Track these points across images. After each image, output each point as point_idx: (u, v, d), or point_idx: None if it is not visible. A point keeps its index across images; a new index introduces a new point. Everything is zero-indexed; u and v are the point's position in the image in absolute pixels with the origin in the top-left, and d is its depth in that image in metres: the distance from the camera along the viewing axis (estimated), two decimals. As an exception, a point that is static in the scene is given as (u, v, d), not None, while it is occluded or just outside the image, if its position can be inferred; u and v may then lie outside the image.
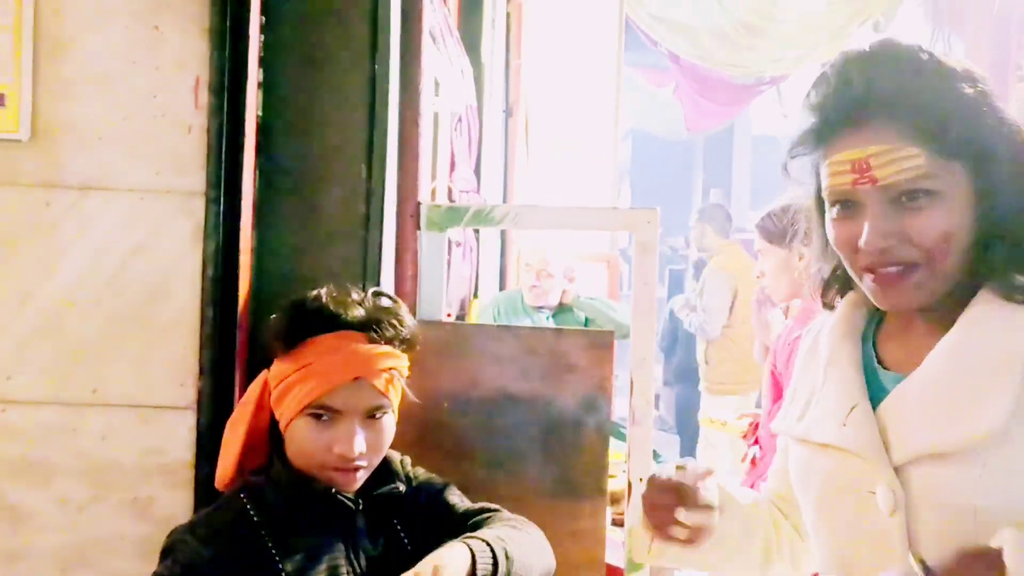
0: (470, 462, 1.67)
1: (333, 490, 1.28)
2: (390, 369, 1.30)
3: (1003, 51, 4.80)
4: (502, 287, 4.14)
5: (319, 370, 1.24)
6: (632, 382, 1.72)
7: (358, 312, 1.28)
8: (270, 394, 1.31)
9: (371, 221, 1.69)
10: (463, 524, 1.36)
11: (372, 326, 1.28)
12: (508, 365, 1.68)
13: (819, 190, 1.08)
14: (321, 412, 1.25)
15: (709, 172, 10.76)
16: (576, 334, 1.71)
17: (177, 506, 1.49)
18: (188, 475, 1.49)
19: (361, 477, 1.30)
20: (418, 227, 1.73)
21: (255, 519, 1.25)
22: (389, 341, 1.29)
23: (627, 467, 1.74)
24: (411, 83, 1.75)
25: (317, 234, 1.70)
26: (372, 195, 1.69)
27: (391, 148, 1.71)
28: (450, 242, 3.60)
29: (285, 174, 1.70)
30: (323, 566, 1.25)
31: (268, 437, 1.33)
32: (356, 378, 1.26)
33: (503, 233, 4.10)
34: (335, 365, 1.25)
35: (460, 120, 3.68)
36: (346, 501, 1.29)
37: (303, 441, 1.26)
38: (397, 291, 1.74)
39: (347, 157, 1.69)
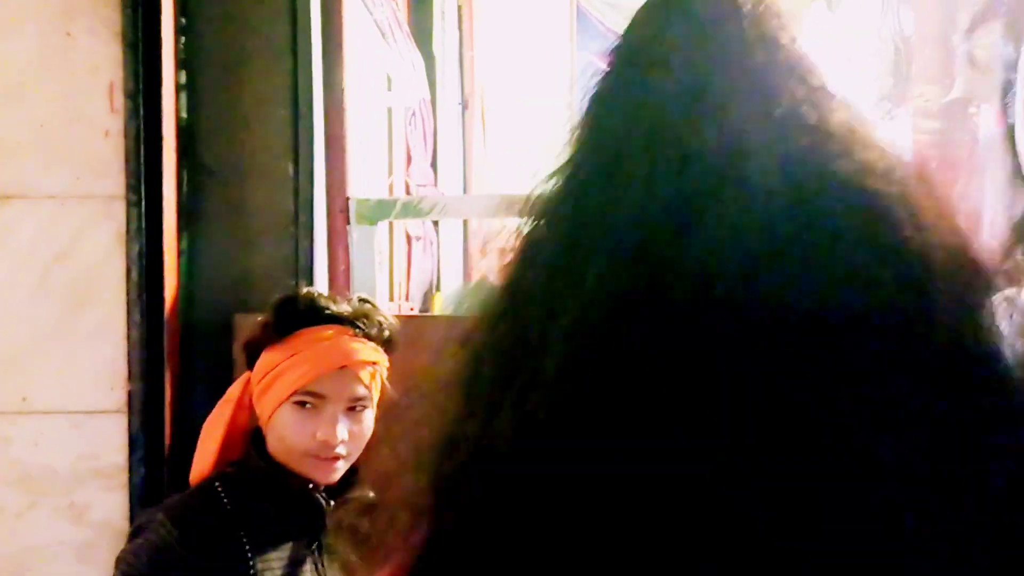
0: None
1: (310, 486, 1.30)
2: (374, 364, 1.34)
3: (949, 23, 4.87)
4: (465, 281, 4.15)
5: (309, 356, 1.28)
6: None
7: (345, 308, 1.33)
8: (251, 394, 1.33)
9: (300, 217, 1.70)
10: None
11: (359, 322, 1.32)
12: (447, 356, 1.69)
13: None
14: (307, 399, 1.28)
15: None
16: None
17: (113, 510, 1.50)
18: (123, 479, 1.50)
19: (340, 469, 1.31)
20: (348, 222, 1.74)
21: (228, 508, 1.27)
22: (373, 339, 1.33)
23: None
24: (335, 80, 1.76)
25: (247, 233, 1.70)
26: (300, 192, 1.70)
27: (317, 144, 1.72)
28: (410, 236, 3.61)
29: (211, 175, 1.71)
30: (290, 562, 1.28)
31: (245, 436, 1.34)
32: (342, 367, 1.30)
33: (465, 225, 4.11)
34: (324, 352, 1.28)
35: (414, 114, 3.69)
36: (319, 499, 1.31)
37: (286, 428, 1.28)
38: (330, 285, 1.75)
39: (272, 155, 1.70)
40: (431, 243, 3.81)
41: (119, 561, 1.23)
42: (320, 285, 1.79)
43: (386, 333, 1.35)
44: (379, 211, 1.74)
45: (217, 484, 1.29)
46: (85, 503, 1.50)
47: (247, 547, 1.24)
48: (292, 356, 1.28)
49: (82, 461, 1.50)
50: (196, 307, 1.57)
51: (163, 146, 1.53)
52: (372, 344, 1.33)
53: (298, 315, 1.31)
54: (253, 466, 1.31)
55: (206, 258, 1.65)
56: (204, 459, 1.34)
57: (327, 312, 1.31)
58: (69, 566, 1.49)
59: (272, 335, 1.30)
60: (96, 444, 1.50)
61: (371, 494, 1.37)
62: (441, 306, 3.70)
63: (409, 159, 3.64)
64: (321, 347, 1.29)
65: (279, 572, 1.26)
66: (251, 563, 1.24)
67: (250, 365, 1.34)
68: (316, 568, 1.30)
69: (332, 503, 1.32)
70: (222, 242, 1.67)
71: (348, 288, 1.75)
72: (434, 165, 3.87)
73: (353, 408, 1.31)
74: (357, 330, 1.32)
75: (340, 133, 1.75)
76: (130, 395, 1.49)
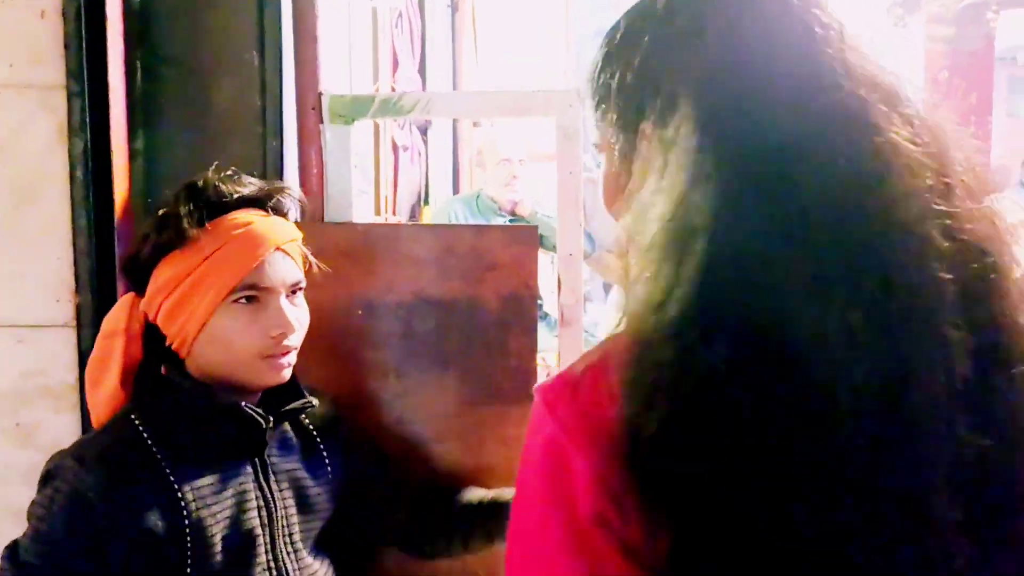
0: (387, 371, 1.56)
1: (242, 401, 1.16)
2: (299, 242, 1.23)
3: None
4: (455, 193, 4.00)
5: (237, 247, 1.13)
6: (559, 279, 1.61)
7: (253, 187, 1.18)
8: (141, 320, 1.17)
9: (267, 114, 1.54)
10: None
11: (269, 200, 1.19)
12: (425, 266, 1.56)
13: None
14: (249, 294, 1.14)
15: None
16: (497, 230, 1.59)
17: (64, 431, 1.38)
18: (73, 398, 1.38)
19: (290, 365, 1.20)
20: (321, 120, 1.58)
21: (148, 442, 1.13)
22: (285, 214, 1.21)
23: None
24: (305, -42, 1.58)
25: (209, 131, 1.54)
26: (267, 86, 1.53)
27: (286, 34, 1.55)
28: (396, 145, 3.44)
29: (170, 65, 1.54)
30: (229, 492, 1.14)
31: (135, 370, 1.18)
32: (277, 249, 1.16)
33: (454, 135, 3.93)
34: (254, 238, 1.14)
35: (400, 16, 3.48)
36: (256, 416, 1.16)
37: (231, 333, 1.13)
38: (303, 190, 1.60)
39: (236, 44, 1.53)
40: (419, 153, 3.65)
41: (30, 515, 1.08)
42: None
43: (298, 207, 1.24)
44: (355, 108, 1.57)
45: (133, 416, 1.14)
46: (33, 423, 1.38)
47: (173, 480, 1.10)
48: (215, 252, 1.12)
49: (28, 379, 1.38)
50: (151, 212, 1.42)
51: (108, 29, 1.36)
52: (290, 222, 1.22)
53: (207, 206, 1.14)
54: (176, 390, 1.15)
55: (163, 158, 1.49)
56: (104, 405, 1.17)
57: (238, 196, 1.16)
58: (17, 488, 1.37)
59: (174, 237, 1.12)
60: (43, 361, 1.37)
61: (315, 402, 1.25)
62: (430, 219, 3.56)
63: (396, 64, 3.45)
64: (248, 233, 1.13)
65: (214, 500, 1.12)
66: (180, 497, 1.09)
67: (137, 285, 1.16)
68: (260, 488, 1.17)
69: (272, 419, 1.19)
70: (181, 141, 1.51)
71: (322, 194, 1.60)
72: (422, 72, 3.68)
73: (293, 293, 1.19)
74: (270, 209, 1.18)
75: (311, 22, 1.57)
76: (78, 308, 1.36)
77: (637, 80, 0.76)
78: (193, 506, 1.10)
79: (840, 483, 0.59)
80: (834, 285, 0.61)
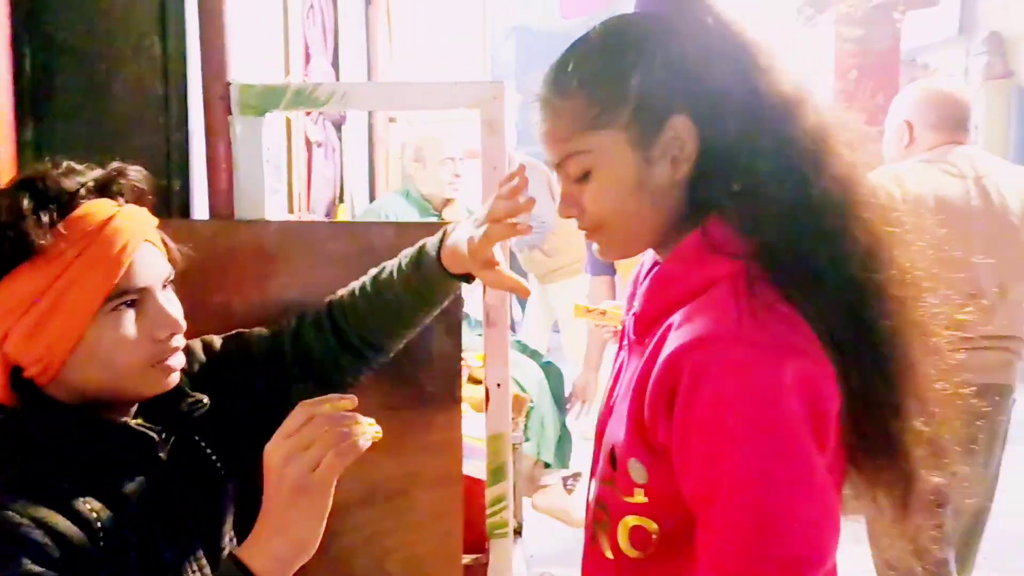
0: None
1: (134, 421, 1.04)
2: (157, 228, 1.07)
3: None
4: (371, 191, 3.89)
5: (103, 248, 0.97)
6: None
7: (95, 174, 1.01)
8: None
9: (171, 105, 1.45)
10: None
11: (112, 187, 1.02)
12: (344, 266, 1.48)
13: None
14: (127, 299, 0.99)
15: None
16: (420, 228, 1.51)
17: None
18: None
19: (180, 367, 1.07)
20: (229, 111, 1.48)
21: (30, 476, 0.96)
22: (132, 200, 1.04)
23: (484, 373, 1.58)
24: (210, -61, 1.48)
25: (107, 121, 1.45)
26: (170, 74, 1.44)
27: (190, 19, 1.46)
28: (310, 141, 3.33)
29: (65, 52, 1.43)
30: (125, 513, 1.01)
31: None
32: (145, 242, 1.02)
33: (370, 131, 3.83)
34: (119, 234, 0.98)
35: (312, 7, 3.37)
36: (147, 432, 1.04)
37: (115, 346, 0.99)
38: (211, 186, 1.51)
39: (136, 28, 1.44)
40: (333, 149, 3.54)
41: None
42: (198, 183, 1.54)
43: (143, 185, 1.05)
44: (266, 99, 1.49)
45: None
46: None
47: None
48: (77, 257, 0.95)
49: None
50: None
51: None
52: (143, 208, 1.05)
53: (56, 204, 0.96)
54: (45, 420, 0.99)
55: (56, 151, 1.37)
56: None
57: (86, 187, 0.98)
58: None
59: (20, 249, 0.94)
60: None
61: (206, 400, 1.12)
62: (348, 216, 3.46)
63: (307, 57, 3.34)
64: (111, 230, 0.97)
65: (113, 524, 0.99)
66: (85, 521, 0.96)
67: None
68: (164, 516, 1.05)
69: (164, 432, 1.06)
70: (75, 132, 1.41)
71: (231, 188, 1.51)
72: (335, 64, 3.58)
73: (164, 288, 1.04)
74: (120, 197, 1.02)
75: (218, 5, 1.48)
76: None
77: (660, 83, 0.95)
78: (99, 532, 0.96)
79: None
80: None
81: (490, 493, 1.58)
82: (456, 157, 3.35)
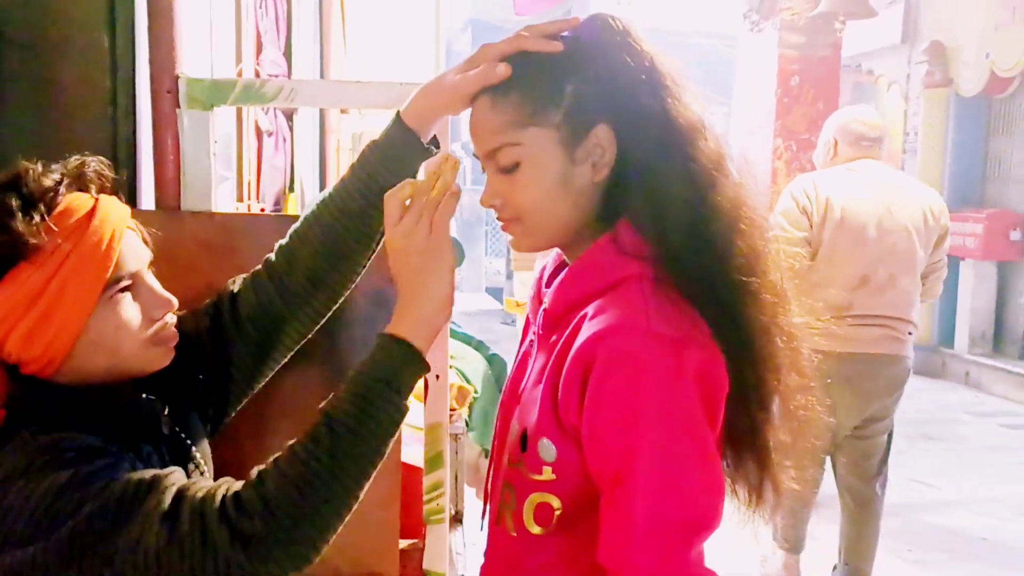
0: (248, 366, 1.51)
1: (144, 396, 1.10)
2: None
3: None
4: (322, 181, 3.91)
5: (95, 240, 1.01)
6: (425, 273, 1.60)
7: (60, 169, 1.04)
8: None
9: (119, 98, 1.47)
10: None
11: (86, 180, 1.06)
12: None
13: None
14: (122, 285, 1.04)
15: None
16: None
17: None
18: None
19: (175, 342, 1.13)
20: (178, 105, 1.51)
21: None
22: (100, 191, 1.08)
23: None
24: (160, -65, 1.51)
25: (56, 114, 1.47)
26: (118, 67, 1.47)
27: (139, 12, 1.48)
28: (260, 131, 3.34)
29: (12, 46, 1.45)
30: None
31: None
32: (127, 229, 1.07)
33: (321, 121, 3.85)
34: (106, 224, 1.02)
35: (265, -3, 3.38)
36: (152, 402, 1.11)
37: (119, 330, 1.04)
38: (158, 179, 1.53)
39: (84, 22, 1.46)
40: (284, 139, 3.55)
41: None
42: (145, 177, 1.57)
43: (110, 175, 1.09)
44: (215, 94, 1.52)
45: (24, 433, 1.00)
46: None
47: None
48: (72, 251, 0.99)
49: None
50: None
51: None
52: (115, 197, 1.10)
53: (36, 209, 0.99)
54: (59, 405, 1.04)
55: (5, 145, 1.40)
56: None
57: (62, 181, 1.02)
58: None
59: (13, 251, 0.97)
60: None
61: (200, 376, 1.20)
62: (296, 207, 3.48)
63: (259, 47, 3.34)
64: (98, 221, 1.02)
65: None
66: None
67: None
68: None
69: (167, 408, 1.13)
70: (25, 126, 1.43)
71: (178, 180, 1.54)
72: (288, 55, 3.59)
73: (148, 270, 1.10)
74: (92, 188, 1.05)
75: (167, 1, 1.50)
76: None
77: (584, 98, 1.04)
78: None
79: None
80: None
81: (427, 480, 1.64)
82: None
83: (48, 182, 1.01)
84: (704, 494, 0.98)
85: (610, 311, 1.00)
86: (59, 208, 1.00)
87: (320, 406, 1.02)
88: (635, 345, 0.97)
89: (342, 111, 4.03)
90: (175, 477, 1.00)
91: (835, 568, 3.27)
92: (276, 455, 1.00)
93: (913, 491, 4.45)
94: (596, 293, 1.04)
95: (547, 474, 1.05)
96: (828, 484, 3.18)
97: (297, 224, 1.29)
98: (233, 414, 1.32)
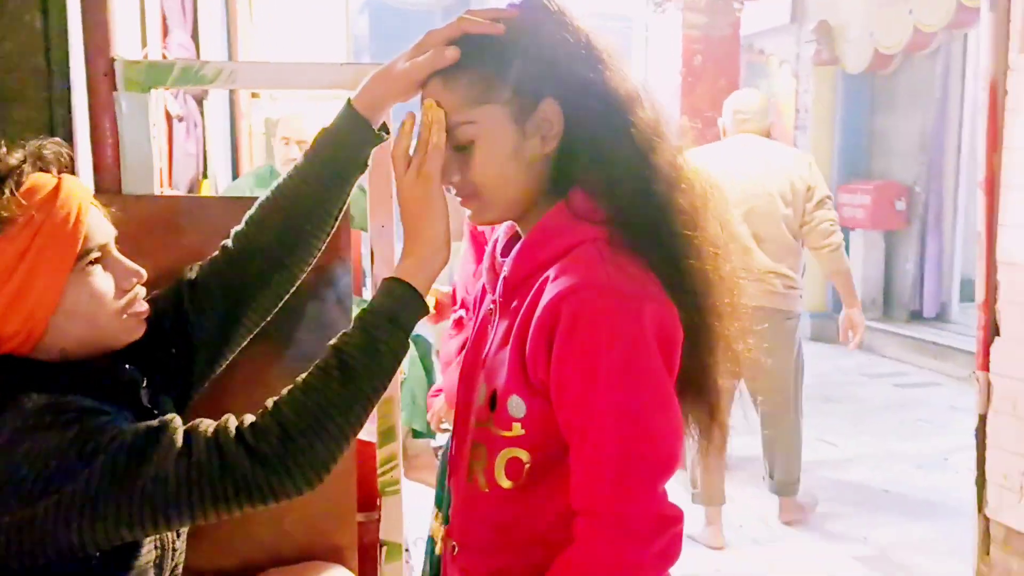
0: (198, 348, 1.51)
1: (126, 366, 1.15)
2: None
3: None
4: (234, 167, 3.85)
5: (62, 216, 1.05)
6: (372, 251, 1.63)
7: (26, 152, 1.07)
8: None
9: (54, 80, 1.45)
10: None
11: (47, 160, 1.09)
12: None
13: None
14: (92, 257, 1.09)
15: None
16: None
17: None
18: None
19: (147, 313, 1.17)
20: (115, 87, 1.49)
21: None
22: (60, 170, 1.11)
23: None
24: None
25: (-12, 97, 1.43)
26: (52, 49, 1.44)
27: (72, -7, 1.46)
28: (170, 116, 3.27)
29: (-63, 25, 1.40)
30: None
31: None
32: (90, 205, 1.11)
33: (231, 106, 3.79)
34: (73, 198, 1.07)
35: (170, -22, 3.30)
36: (130, 369, 1.16)
37: (93, 300, 1.08)
38: (96, 162, 1.52)
39: (18, 6, 1.43)
40: (195, 124, 3.48)
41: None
42: (83, 160, 1.54)
43: (67, 152, 1.14)
44: (152, 76, 1.50)
45: (17, 399, 1.03)
46: None
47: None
48: (43, 224, 1.03)
49: None
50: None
51: None
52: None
53: (8, 177, 1.04)
54: (43, 378, 1.07)
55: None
56: None
57: (26, 160, 1.06)
58: None
59: None
60: None
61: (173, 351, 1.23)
62: (210, 194, 3.42)
63: (165, 29, 3.27)
64: (63, 196, 1.06)
65: None
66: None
67: None
68: None
69: (145, 379, 1.18)
70: (-45, 107, 1.39)
71: (117, 163, 1.52)
72: (195, 37, 3.51)
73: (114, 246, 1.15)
74: (53, 168, 1.09)
75: (101, -19, 1.49)
76: None
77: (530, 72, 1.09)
78: None
79: None
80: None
81: (381, 453, 1.67)
82: (291, 138, 3.32)
83: (13, 161, 1.04)
84: (666, 436, 1.06)
85: (571, 272, 1.07)
86: (25, 186, 1.04)
87: (330, 343, 1.11)
88: (598, 302, 1.04)
89: (252, 95, 3.97)
90: (178, 421, 1.06)
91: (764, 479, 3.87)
92: (288, 387, 1.09)
93: (818, 450, 4.68)
94: (554, 257, 1.10)
95: (516, 430, 1.11)
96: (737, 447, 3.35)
97: (252, 210, 1.32)
98: (195, 396, 1.34)
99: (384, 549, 1.71)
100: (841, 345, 3.86)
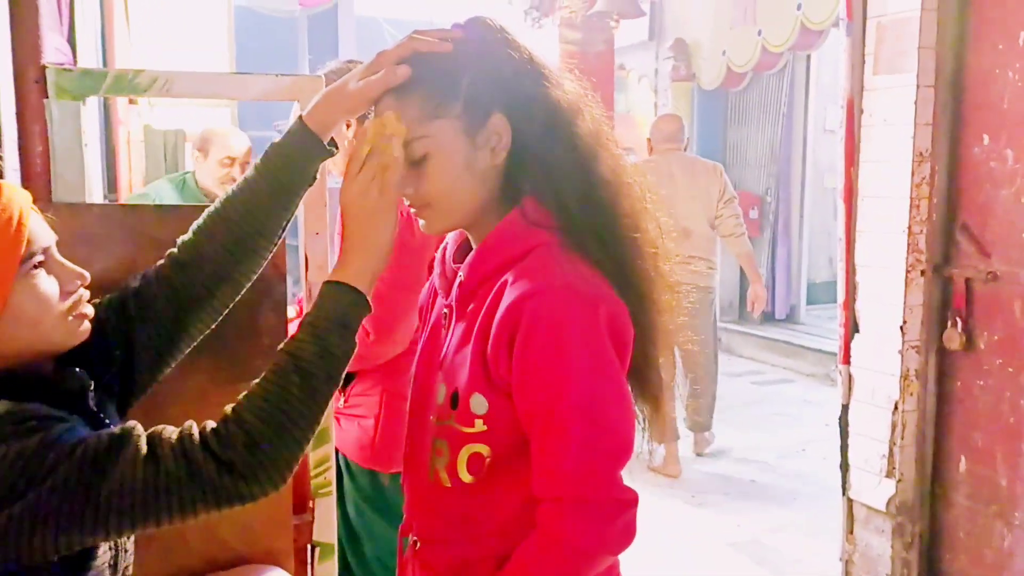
0: (135, 357, 1.51)
1: (75, 370, 1.15)
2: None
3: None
4: (111, 173, 3.72)
5: (3, 221, 1.05)
6: (306, 257, 1.67)
7: None
8: None
9: (-18, 87, 1.42)
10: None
11: None
12: (168, 249, 1.53)
13: None
14: (37, 260, 1.09)
15: (315, 52, 10.49)
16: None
17: None
18: None
19: (91, 315, 1.17)
20: (46, 95, 1.48)
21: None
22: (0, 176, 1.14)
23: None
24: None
25: (-89, 104, 1.39)
26: (-20, 56, 1.41)
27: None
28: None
29: None
30: None
31: None
32: (32, 211, 1.11)
33: (106, 112, 3.66)
34: (12, 206, 1.07)
35: (46, -19, 3.18)
36: (79, 373, 1.15)
37: (39, 304, 1.08)
38: (25, 172, 1.50)
39: (-57, 8, 1.39)
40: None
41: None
42: (10, 169, 1.52)
43: (2, 166, 1.19)
44: (85, 85, 1.50)
45: None
46: None
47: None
48: None
49: None
50: None
51: None
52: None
53: None
54: (3, 375, 1.09)
55: None
56: None
57: None
58: None
59: None
60: None
61: (117, 353, 1.24)
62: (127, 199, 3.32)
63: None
64: (3, 204, 1.06)
65: None
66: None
67: None
68: None
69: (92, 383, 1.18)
70: None
71: (47, 171, 1.51)
72: (72, 42, 3.39)
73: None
74: None
75: (30, -12, 1.47)
76: None
77: (481, 87, 1.17)
78: None
79: None
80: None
81: (314, 456, 1.71)
82: (238, 159, 3.33)
83: None
84: (623, 427, 1.14)
85: (530, 275, 1.14)
86: None
87: (280, 347, 1.13)
88: (556, 303, 1.11)
89: (131, 101, 3.85)
90: (140, 428, 1.08)
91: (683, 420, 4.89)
92: (245, 393, 1.11)
93: (688, 446, 4.93)
94: (510, 262, 1.18)
95: (479, 426, 1.17)
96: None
97: (200, 220, 1.35)
98: (135, 404, 1.35)
99: (317, 550, 1.75)
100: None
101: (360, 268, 1.15)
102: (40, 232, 1.10)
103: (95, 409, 1.19)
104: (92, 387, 1.18)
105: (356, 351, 1.17)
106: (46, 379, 1.12)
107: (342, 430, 2.24)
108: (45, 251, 1.10)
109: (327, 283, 1.15)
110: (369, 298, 1.16)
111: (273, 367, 1.12)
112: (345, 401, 2.23)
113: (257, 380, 1.12)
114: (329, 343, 1.12)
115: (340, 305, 1.13)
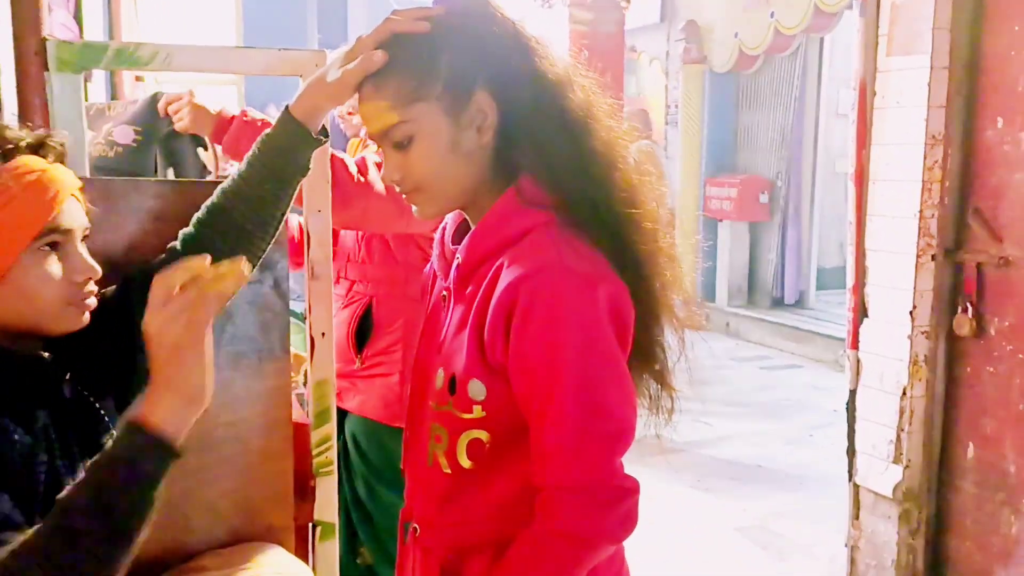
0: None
1: (45, 354, 1.13)
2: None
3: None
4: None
5: (35, 194, 1.06)
6: (308, 235, 1.65)
7: (29, 135, 1.10)
8: None
9: (-19, 59, 1.41)
10: None
11: (47, 147, 1.12)
12: (171, 222, 1.52)
13: None
14: (53, 239, 1.09)
15: (325, 31, 10.46)
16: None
17: None
18: None
19: (91, 308, 1.17)
20: (46, 68, 1.46)
21: None
22: (55, 161, 1.14)
23: (308, 322, 1.69)
24: None
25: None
26: (-20, 27, 1.40)
27: (1, -30, 1.42)
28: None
29: None
30: (36, 441, 1.09)
31: None
32: (72, 195, 1.12)
33: (113, 88, 3.65)
34: (51, 184, 1.08)
35: (52, -44, 3.16)
36: (50, 363, 1.14)
37: (39, 282, 1.08)
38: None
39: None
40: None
41: None
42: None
43: (65, 151, 1.18)
44: (85, 57, 1.48)
45: None
46: None
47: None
48: (11, 201, 1.05)
49: None
50: None
51: None
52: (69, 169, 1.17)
53: None
54: None
55: None
56: None
57: (23, 140, 1.09)
58: None
59: None
60: None
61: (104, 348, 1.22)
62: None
63: (48, 7, 3.14)
64: (44, 179, 1.08)
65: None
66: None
67: None
68: (67, 453, 1.14)
69: (69, 374, 1.17)
70: None
71: (48, 147, 1.49)
72: (79, 19, 3.38)
73: (84, 239, 1.16)
74: (50, 155, 1.13)
75: (29, -42, 1.45)
76: None
77: (462, 66, 1.13)
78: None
79: None
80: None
81: (316, 435, 1.70)
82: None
83: (11, 136, 1.07)
84: (621, 410, 1.12)
85: (527, 256, 1.11)
86: (12, 162, 1.06)
87: (59, 496, 0.97)
88: (553, 284, 1.08)
89: (137, 78, 3.84)
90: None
91: None
92: (12, 547, 0.94)
93: (695, 431, 4.93)
94: (507, 243, 1.15)
95: (477, 412, 1.15)
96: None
97: (200, 214, 1.37)
98: (137, 394, 1.34)
99: (318, 529, 1.74)
100: (710, 332, 4.21)
101: (167, 410, 0.97)
102: (70, 216, 1.11)
103: (75, 395, 1.19)
104: (67, 376, 1.17)
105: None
106: (14, 362, 1.10)
107: (362, 392, 2.23)
108: (66, 233, 1.11)
109: (126, 421, 0.98)
110: (178, 442, 0.99)
111: (47, 518, 0.96)
112: (363, 363, 2.22)
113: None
114: (107, 493, 0.95)
115: (130, 450, 0.97)
